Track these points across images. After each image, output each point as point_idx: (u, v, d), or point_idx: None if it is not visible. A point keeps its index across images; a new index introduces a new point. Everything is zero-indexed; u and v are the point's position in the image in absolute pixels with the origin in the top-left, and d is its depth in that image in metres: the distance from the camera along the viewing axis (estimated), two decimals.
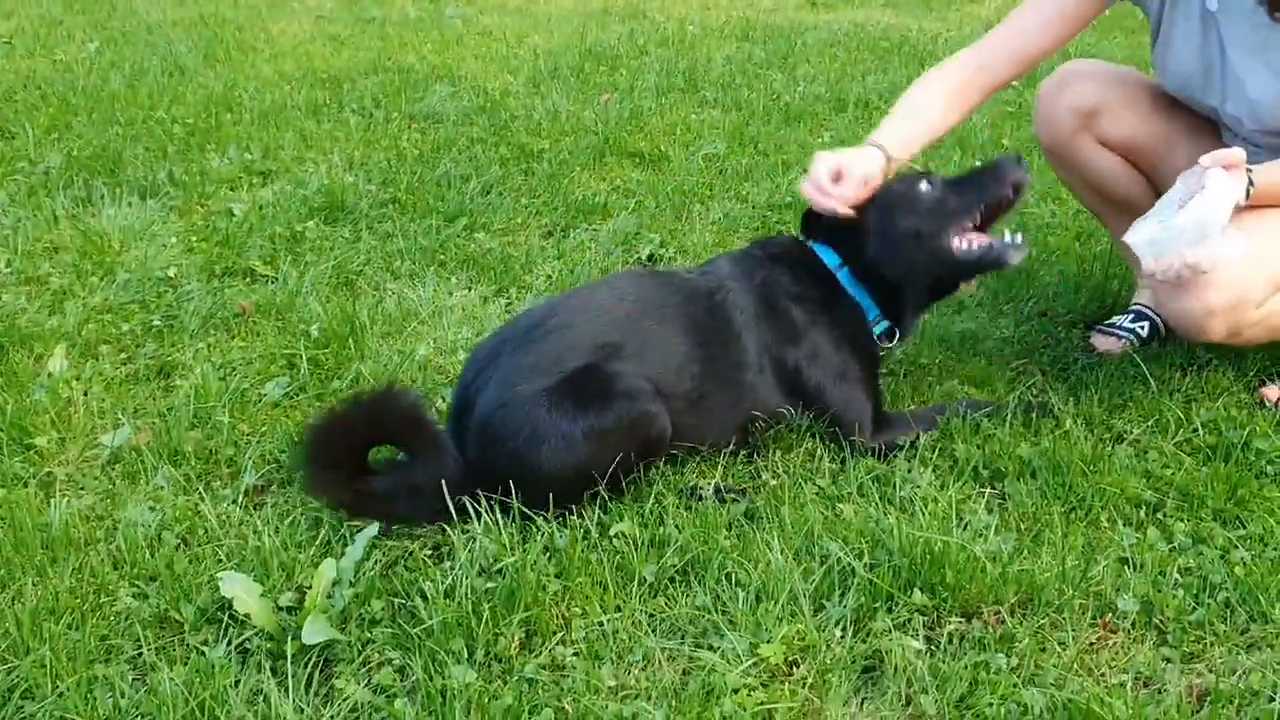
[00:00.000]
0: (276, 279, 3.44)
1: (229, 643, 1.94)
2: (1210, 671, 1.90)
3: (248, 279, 3.48)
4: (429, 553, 2.21)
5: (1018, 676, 1.86)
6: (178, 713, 1.76)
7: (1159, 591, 2.06)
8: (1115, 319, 3.10)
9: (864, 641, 1.95)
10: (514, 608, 1.98)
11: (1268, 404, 2.72)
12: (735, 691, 1.83)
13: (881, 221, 2.58)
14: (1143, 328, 3.01)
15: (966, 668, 1.88)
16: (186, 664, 1.88)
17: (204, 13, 7.90)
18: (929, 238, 2.56)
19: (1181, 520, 2.28)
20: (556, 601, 2.03)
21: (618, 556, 2.13)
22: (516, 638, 1.95)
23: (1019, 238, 2.58)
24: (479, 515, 2.21)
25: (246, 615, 1.98)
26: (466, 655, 1.90)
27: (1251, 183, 2.40)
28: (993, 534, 2.19)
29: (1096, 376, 2.80)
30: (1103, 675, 1.89)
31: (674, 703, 1.81)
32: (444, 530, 2.23)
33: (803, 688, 1.86)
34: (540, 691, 1.84)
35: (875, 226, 2.58)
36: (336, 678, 1.88)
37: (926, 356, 2.96)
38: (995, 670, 1.87)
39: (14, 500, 2.32)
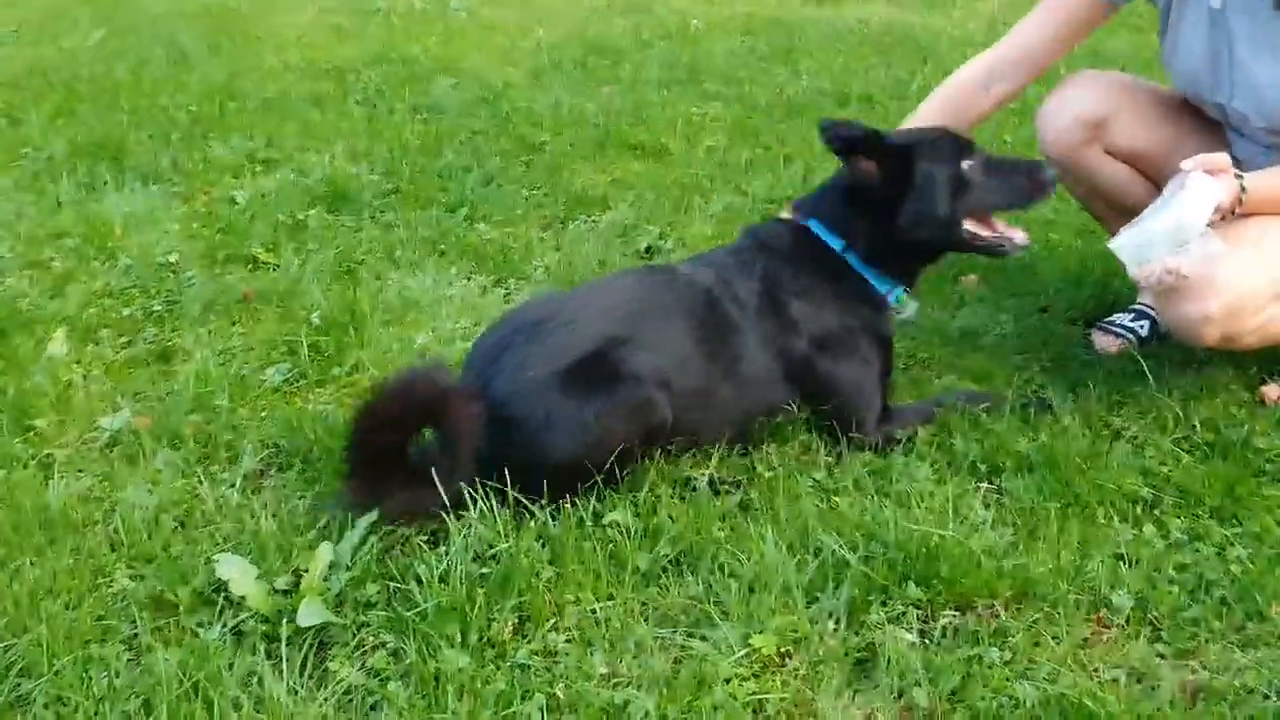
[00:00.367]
0: (279, 266, 3.44)
1: (224, 624, 1.94)
2: (1205, 669, 1.90)
3: (250, 266, 3.49)
4: (425, 538, 2.21)
5: (1010, 670, 1.87)
6: (172, 693, 1.76)
7: (1154, 588, 2.06)
8: (1116, 317, 3.10)
9: (857, 634, 1.96)
10: (507, 593, 1.99)
11: (1268, 403, 2.71)
12: (727, 681, 1.84)
13: (922, 194, 2.53)
14: (1142, 327, 3.01)
15: (960, 661, 1.88)
16: (182, 645, 1.89)
17: (208, 2, 7.90)
18: (956, 220, 2.56)
19: (1178, 517, 2.28)
20: (550, 588, 2.03)
21: (611, 545, 2.14)
22: (510, 623, 1.96)
23: (1021, 235, 2.60)
24: (474, 502, 2.21)
25: (242, 597, 1.99)
26: (460, 640, 1.91)
27: (1243, 189, 2.40)
28: (989, 529, 2.20)
29: (1096, 373, 2.80)
30: (1096, 670, 1.89)
31: (665, 691, 1.82)
32: (441, 515, 2.24)
33: (795, 679, 1.86)
34: (532, 677, 1.85)
35: (914, 197, 2.53)
36: (331, 660, 1.89)
37: (926, 351, 2.97)
38: (988, 664, 1.88)
39: (14, 481, 2.33)
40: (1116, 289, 3.30)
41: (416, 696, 1.80)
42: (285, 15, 7.71)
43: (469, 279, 3.43)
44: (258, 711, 1.76)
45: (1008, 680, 1.84)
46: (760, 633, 1.93)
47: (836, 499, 2.31)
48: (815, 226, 2.61)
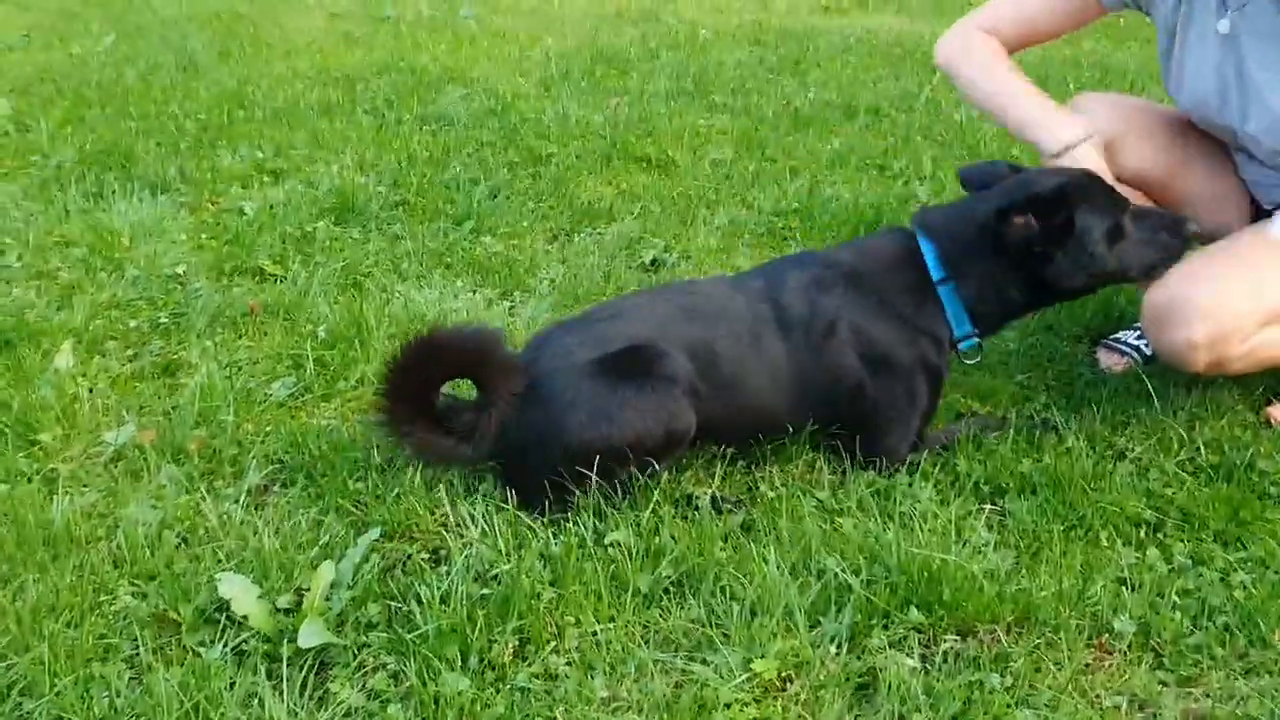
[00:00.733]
0: (285, 279, 3.45)
1: (225, 644, 1.94)
2: (1207, 697, 1.89)
3: (257, 278, 3.49)
4: (427, 556, 2.21)
5: (1011, 697, 1.86)
6: (172, 714, 1.77)
7: (1157, 613, 2.05)
8: (1121, 334, 3.09)
9: (859, 659, 1.95)
10: (508, 615, 1.98)
11: (1274, 424, 2.71)
12: (727, 706, 1.83)
13: (1082, 248, 2.43)
14: (1147, 345, 3.01)
15: (960, 687, 1.87)
16: (183, 665, 1.88)
17: (219, 9, 7.93)
18: (1113, 272, 2.49)
19: (1182, 541, 2.27)
20: (551, 610, 2.03)
21: (613, 566, 2.13)
22: (510, 645, 1.95)
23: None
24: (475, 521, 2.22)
25: (244, 616, 1.98)
26: (460, 662, 1.91)
27: None
28: (992, 551, 2.19)
29: (1100, 393, 2.79)
30: (1097, 697, 1.89)
31: (665, 716, 1.82)
32: (443, 533, 2.24)
33: (795, 704, 1.86)
34: (532, 701, 1.85)
35: (1074, 252, 2.43)
36: (332, 681, 1.89)
37: None
38: (989, 690, 1.87)
39: (17, 497, 2.33)
40: (1122, 306, 3.29)
41: (415, 719, 1.80)
42: (296, 21, 7.73)
43: (474, 292, 3.44)
44: None
45: (1008, 707, 1.84)
46: (761, 657, 1.93)
47: (840, 519, 2.30)
48: (924, 245, 2.51)
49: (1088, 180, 2.47)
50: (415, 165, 4.54)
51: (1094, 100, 2.86)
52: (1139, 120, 2.81)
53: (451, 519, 2.27)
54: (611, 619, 2.04)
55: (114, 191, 4.13)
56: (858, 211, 3.99)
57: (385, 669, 1.91)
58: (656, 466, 2.33)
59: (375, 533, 2.20)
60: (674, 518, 2.28)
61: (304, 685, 1.88)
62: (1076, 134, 2.61)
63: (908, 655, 1.95)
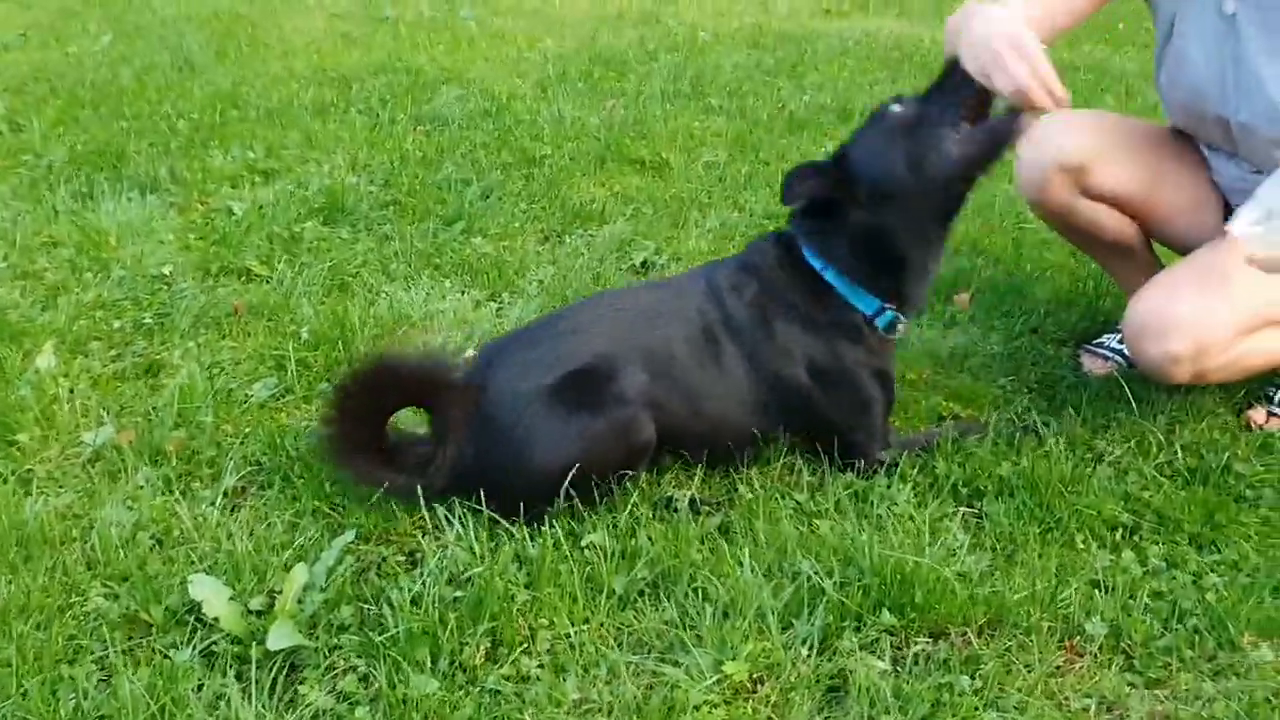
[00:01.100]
0: (271, 279, 3.45)
1: (195, 646, 1.94)
2: (1174, 698, 1.89)
3: (243, 278, 3.49)
4: (402, 559, 2.21)
5: (980, 699, 1.86)
6: (139, 716, 1.77)
7: (1129, 616, 2.05)
8: (1104, 338, 3.09)
9: (830, 661, 1.95)
10: (480, 617, 1.98)
11: (1254, 427, 2.70)
12: (697, 708, 1.83)
13: (866, 171, 2.39)
14: None
15: (930, 689, 1.87)
16: (151, 666, 1.88)
17: (218, 9, 7.93)
18: (929, 158, 2.35)
19: (1157, 543, 2.27)
20: (524, 612, 2.03)
21: (588, 568, 2.13)
22: (482, 648, 1.95)
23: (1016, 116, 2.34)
24: (450, 523, 2.22)
25: (215, 618, 1.98)
26: (431, 664, 1.90)
27: None
28: (967, 554, 2.19)
29: (1081, 396, 2.79)
30: (1066, 699, 1.89)
31: (635, 718, 1.82)
32: (419, 537, 2.24)
33: (765, 706, 1.86)
34: (502, 703, 1.85)
35: (861, 181, 2.39)
36: (301, 683, 1.89)
37: (914, 371, 2.95)
38: (959, 692, 1.87)
39: None
40: (1107, 310, 3.29)
41: None
42: (295, 21, 7.73)
43: (463, 293, 3.44)
44: None
45: (976, 709, 1.84)
46: (733, 659, 1.92)
47: (817, 522, 2.30)
48: (800, 241, 2.49)
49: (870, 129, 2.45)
50: (408, 165, 4.54)
51: (1065, 122, 2.81)
52: (1110, 140, 2.77)
53: (428, 522, 2.27)
54: (586, 621, 2.03)
55: (103, 192, 4.13)
56: None
57: (355, 671, 1.91)
58: (618, 485, 2.32)
59: (350, 535, 2.20)
60: (651, 519, 2.28)
61: (273, 687, 1.87)
62: None
63: (879, 657, 1.95)
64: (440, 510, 2.28)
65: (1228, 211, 2.76)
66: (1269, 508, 2.40)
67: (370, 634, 1.95)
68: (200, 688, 1.85)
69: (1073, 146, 2.72)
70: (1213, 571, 2.18)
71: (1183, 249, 2.77)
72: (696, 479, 2.46)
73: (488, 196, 4.22)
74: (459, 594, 2.05)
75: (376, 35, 7.34)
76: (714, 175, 4.59)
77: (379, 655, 1.91)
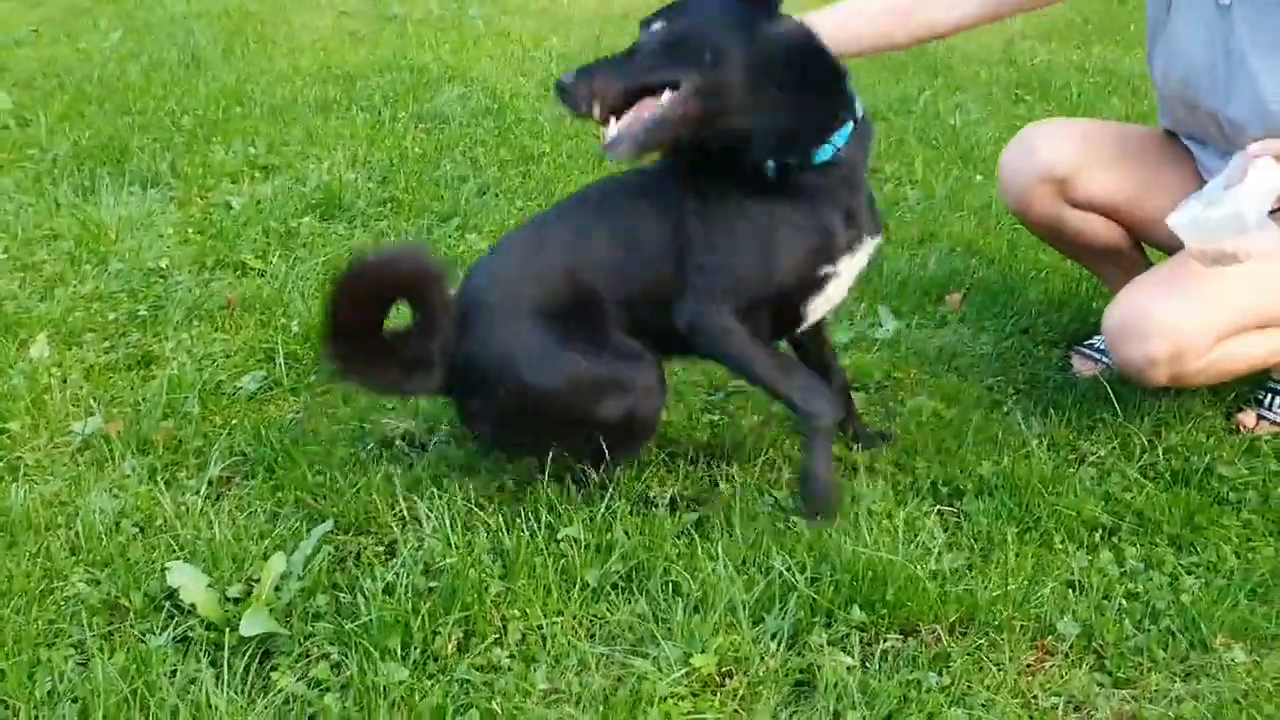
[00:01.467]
0: (265, 273, 3.47)
1: (171, 632, 1.96)
2: (1143, 698, 1.90)
3: (238, 272, 3.52)
4: (381, 550, 2.23)
5: (947, 696, 1.87)
6: (111, 699, 1.79)
7: (1102, 616, 2.06)
8: (1095, 340, 3.09)
9: (800, 655, 1.96)
10: (453, 607, 2.00)
11: (1244, 430, 2.70)
12: (664, 700, 1.84)
13: None
14: None
15: (898, 685, 1.88)
16: (127, 650, 1.91)
17: (228, 6, 7.96)
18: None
19: (1135, 544, 2.28)
20: (498, 603, 2.04)
21: (563, 560, 2.15)
22: (454, 637, 1.97)
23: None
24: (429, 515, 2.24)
25: (192, 605, 2.01)
26: (402, 653, 1.92)
27: None
28: (945, 552, 2.20)
29: (1067, 397, 2.79)
30: (1034, 698, 1.89)
31: (602, 709, 1.83)
32: (397, 528, 2.26)
33: (732, 699, 1.87)
34: (471, 692, 1.86)
35: None
36: (274, 670, 1.91)
37: (901, 371, 2.96)
38: (926, 689, 1.88)
39: None
40: (1099, 312, 3.26)
41: (353, 708, 1.82)
42: (304, 19, 7.76)
43: (454, 289, 3.44)
44: (194, 719, 1.78)
45: (943, 706, 1.84)
46: (702, 652, 1.94)
47: (795, 518, 2.31)
48: None
49: None
50: (406, 162, 4.56)
51: (1048, 130, 2.80)
52: (1095, 149, 2.77)
53: (407, 514, 2.29)
54: (559, 613, 2.05)
55: (105, 186, 4.16)
56: None
57: (328, 659, 1.93)
58: (614, 453, 2.32)
59: (328, 525, 2.22)
60: (629, 514, 2.29)
61: (246, 673, 1.89)
62: None
63: (848, 653, 1.96)
64: (422, 505, 2.30)
65: None
66: (1251, 511, 2.40)
67: (343, 622, 1.97)
68: (174, 673, 1.87)
69: (1055, 157, 2.72)
70: (1190, 573, 2.19)
71: (1172, 253, 2.76)
72: (680, 477, 2.47)
73: (484, 193, 4.24)
74: (433, 584, 2.06)
75: (383, 33, 7.36)
76: None
77: (351, 643, 1.93)
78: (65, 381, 2.81)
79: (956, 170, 4.57)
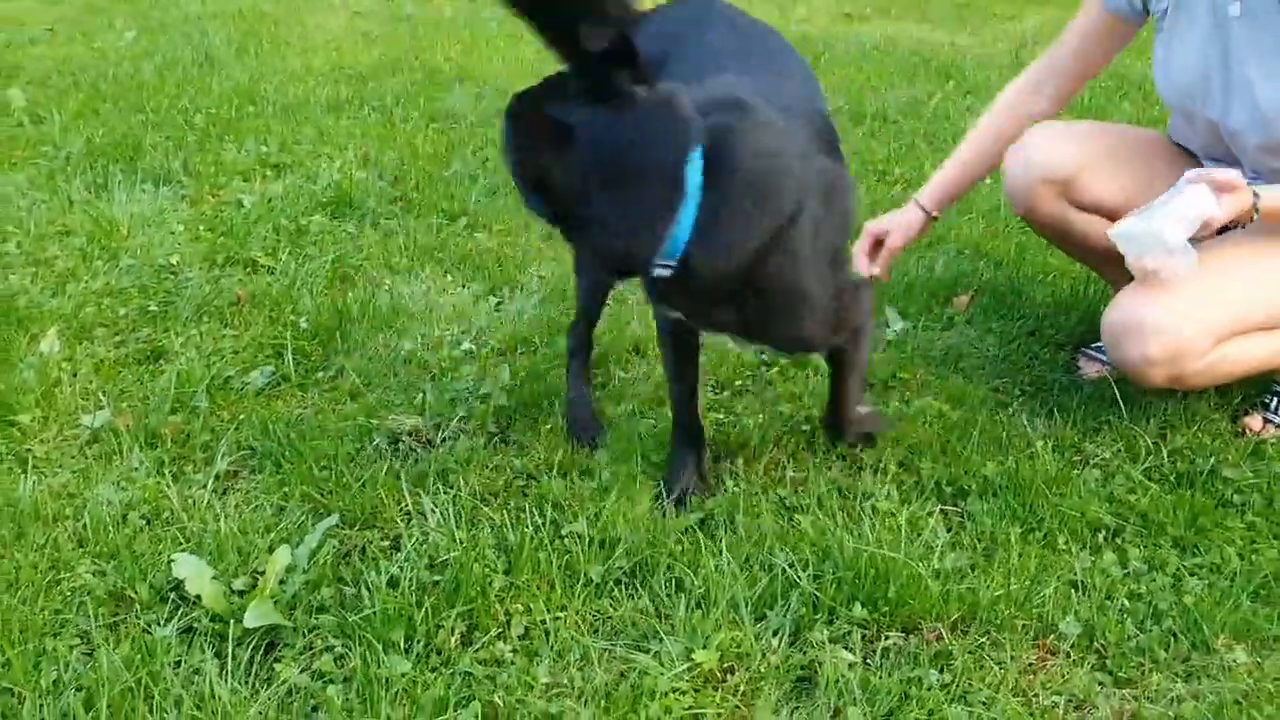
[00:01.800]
0: (275, 270, 3.49)
1: (176, 623, 1.98)
2: (1144, 698, 1.90)
3: (248, 269, 3.53)
4: (386, 544, 2.24)
5: (948, 694, 1.87)
6: (115, 688, 1.80)
7: (1104, 616, 2.06)
8: (1102, 342, 3.08)
9: (802, 652, 1.97)
10: (456, 601, 2.01)
11: (1250, 433, 2.70)
12: (665, 695, 1.85)
13: None
14: None
15: (899, 682, 1.89)
16: (131, 641, 1.92)
17: (242, 6, 8.00)
18: None
19: (1139, 546, 2.27)
20: (501, 597, 2.06)
21: (567, 556, 2.16)
22: (457, 631, 1.98)
23: None
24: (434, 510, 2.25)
25: (197, 596, 2.02)
26: (405, 646, 1.93)
27: (1258, 199, 2.38)
28: (944, 551, 2.20)
29: (1073, 399, 2.79)
30: (1035, 696, 1.89)
31: (603, 703, 1.84)
32: (403, 522, 2.27)
33: (734, 695, 1.88)
34: (473, 684, 1.87)
35: None
36: (278, 662, 1.92)
37: (906, 372, 2.97)
38: (927, 686, 1.88)
39: None
40: None
41: (355, 700, 1.83)
42: (318, 19, 7.79)
43: (464, 287, 3.47)
44: (198, 710, 1.80)
45: (944, 703, 1.85)
46: (704, 647, 1.95)
47: (799, 516, 2.32)
48: None
49: None
50: (417, 161, 4.57)
51: (1051, 133, 2.81)
52: (1097, 151, 2.76)
53: (410, 507, 2.30)
54: (562, 608, 2.06)
55: (118, 183, 4.18)
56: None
57: (331, 651, 1.94)
58: None
59: (333, 519, 2.24)
60: (632, 510, 2.30)
61: (250, 665, 1.91)
62: None
63: (849, 650, 1.97)
64: (425, 497, 2.31)
65: None
66: (1255, 513, 2.39)
67: (347, 615, 1.98)
68: (179, 663, 1.89)
69: (1058, 159, 2.72)
70: (1193, 575, 2.19)
71: None
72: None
73: (494, 193, 4.25)
74: (437, 578, 2.08)
75: (396, 34, 7.39)
76: None
77: (354, 636, 1.94)
78: (75, 375, 2.83)
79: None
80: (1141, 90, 6.28)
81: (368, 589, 2.03)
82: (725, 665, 1.93)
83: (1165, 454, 2.56)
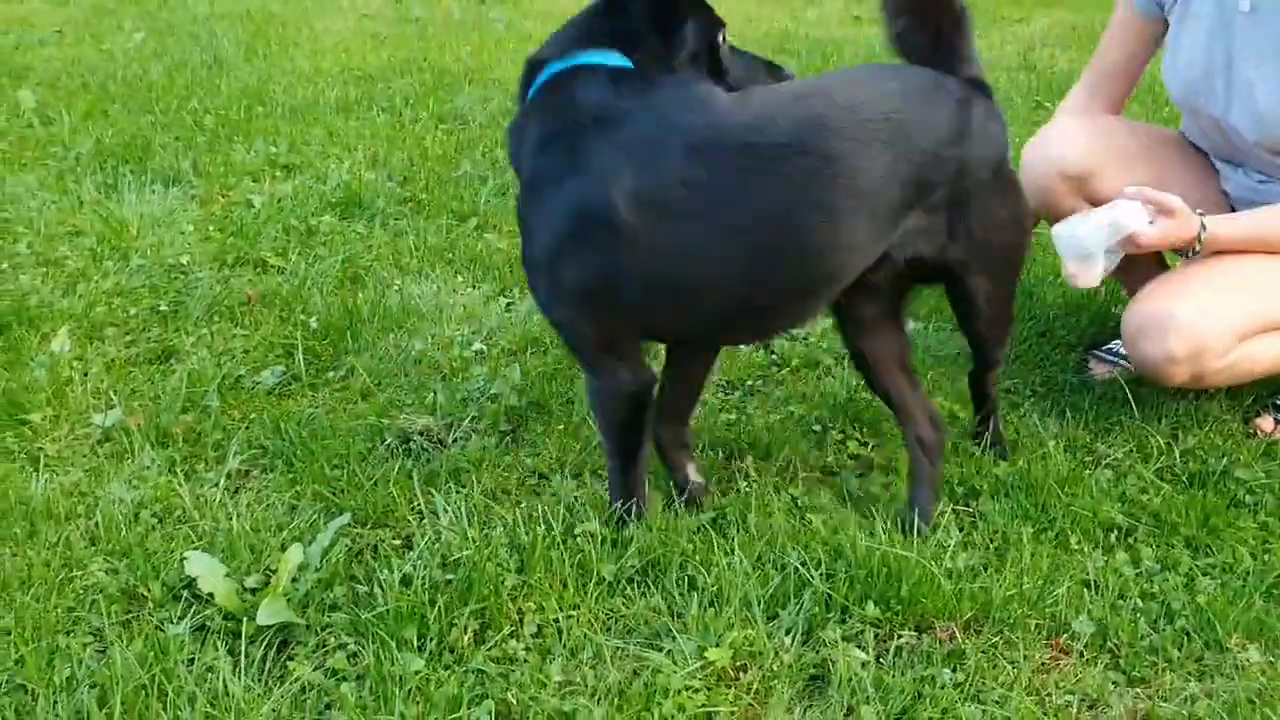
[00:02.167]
0: (285, 270, 3.50)
1: (189, 620, 1.98)
2: (1157, 697, 1.90)
3: (258, 269, 3.54)
4: (398, 543, 2.25)
5: (961, 693, 1.87)
6: (129, 685, 1.80)
7: (1117, 615, 2.06)
8: (1113, 344, 3.08)
9: (814, 650, 1.97)
10: (469, 599, 2.01)
11: (1260, 434, 2.69)
12: (678, 693, 1.85)
13: None
14: None
15: (911, 681, 1.89)
16: (145, 639, 1.92)
17: (251, 7, 8.01)
18: None
19: (1151, 546, 2.27)
20: (514, 596, 2.06)
21: (579, 554, 2.15)
22: (470, 629, 1.98)
23: None
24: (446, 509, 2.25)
25: (210, 594, 2.02)
26: (418, 644, 1.93)
27: (1203, 230, 2.43)
28: (957, 550, 2.20)
29: (1084, 399, 2.79)
30: (1048, 695, 1.89)
31: (616, 701, 1.84)
32: (415, 521, 2.28)
33: (747, 693, 1.87)
34: (486, 682, 1.87)
35: None
36: (291, 659, 1.92)
37: (918, 372, 2.95)
38: (940, 685, 1.88)
39: (0, 474, 2.39)
40: (1118, 316, 3.27)
41: (369, 697, 1.83)
42: (326, 21, 7.80)
43: (474, 288, 3.47)
44: (211, 707, 1.80)
45: (957, 702, 1.85)
46: (717, 646, 1.94)
47: (811, 515, 2.31)
48: None
49: None
50: (426, 162, 4.58)
51: (1068, 128, 2.80)
52: (1114, 148, 2.76)
53: (423, 506, 2.31)
54: (575, 606, 2.06)
55: (128, 183, 4.19)
56: None
57: (344, 649, 1.94)
58: None
59: (345, 518, 2.24)
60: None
61: (263, 662, 1.91)
62: None
63: (861, 649, 1.97)
64: (438, 496, 2.31)
65: None
66: (1267, 513, 2.39)
67: (360, 613, 1.98)
68: (192, 660, 1.89)
69: (1074, 155, 2.72)
70: (1205, 574, 2.18)
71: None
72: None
73: (504, 194, 4.25)
74: (450, 577, 2.08)
75: (404, 36, 7.40)
76: None
77: (367, 634, 1.94)
78: (86, 375, 2.84)
79: None
80: (1151, 91, 6.27)
81: (380, 587, 2.03)
82: (738, 663, 1.93)
83: (1177, 454, 2.55)
